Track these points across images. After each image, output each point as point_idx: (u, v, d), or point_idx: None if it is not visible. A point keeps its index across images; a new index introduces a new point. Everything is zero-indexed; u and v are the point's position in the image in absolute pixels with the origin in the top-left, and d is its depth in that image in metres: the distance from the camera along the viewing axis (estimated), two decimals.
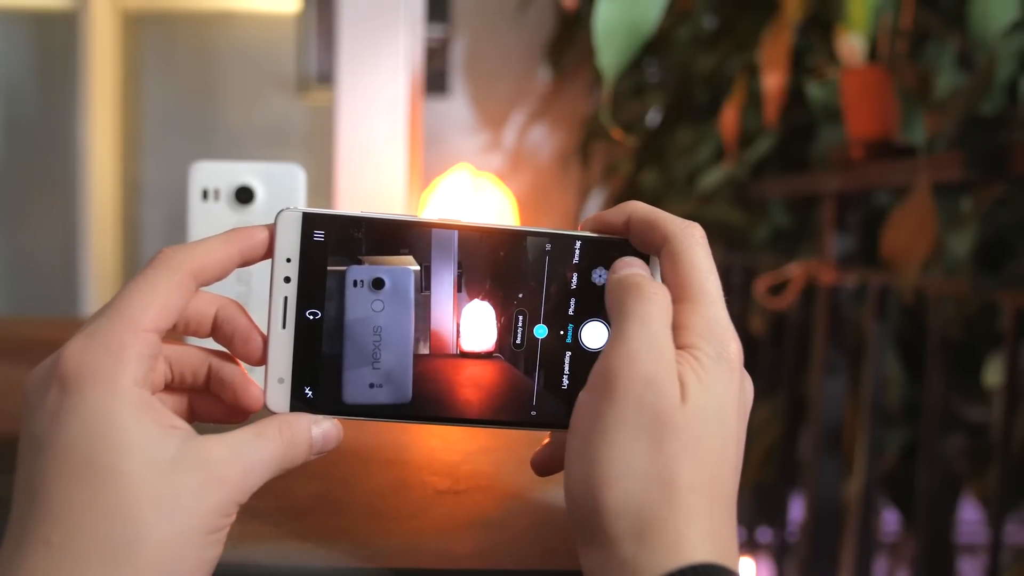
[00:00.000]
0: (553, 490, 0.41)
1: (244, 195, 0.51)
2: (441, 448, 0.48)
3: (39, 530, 0.26)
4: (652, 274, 0.34)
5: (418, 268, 0.34)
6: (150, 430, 0.28)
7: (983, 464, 1.25)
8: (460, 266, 0.34)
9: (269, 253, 0.33)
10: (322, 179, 1.04)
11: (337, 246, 0.33)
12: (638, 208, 0.33)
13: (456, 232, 0.33)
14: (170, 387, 0.33)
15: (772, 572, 1.52)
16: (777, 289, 1.33)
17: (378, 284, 0.33)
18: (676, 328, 0.31)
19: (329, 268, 0.33)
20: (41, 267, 2.32)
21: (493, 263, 0.34)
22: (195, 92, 2.34)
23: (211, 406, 0.34)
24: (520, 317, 0.34)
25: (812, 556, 1.24)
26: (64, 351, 0.28)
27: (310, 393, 0.33)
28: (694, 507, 0.28)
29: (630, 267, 0.32)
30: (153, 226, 2.36)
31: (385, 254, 0.33)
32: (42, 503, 0.27)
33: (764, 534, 1.61)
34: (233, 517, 0.29)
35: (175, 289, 0.30)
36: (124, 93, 2.32)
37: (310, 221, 0.33)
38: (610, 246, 0.34)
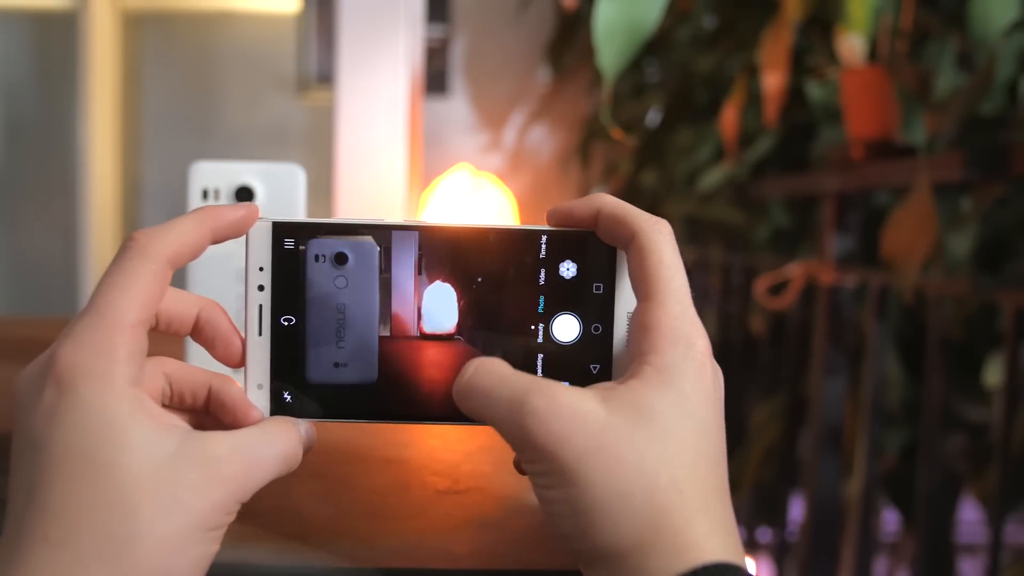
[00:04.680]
0: None
1: (244, 195, 0.51)
2: (441, 448, 0.48)
3: (37, 527, 0.26)
4: (621, 269, 0.34)
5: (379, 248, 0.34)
6: (148, 427, 0.28)
7: (983, 464, 1.25)
8: (431, 267, 0.34)
9: (239, 232, 0.33)
10: (322, 179, 1.04)
11: (307, 252, 0.34)
12: (607, 202, 0.33)
13: (426, 234, 0.34)
14: (169, 406, 0.33)
15: (772, 572, 1.52)
16: (777, 289, 1.33)
17: (341, 259, 0.34)
18: (641, 328, 0.31)
19: (299, 273, 0.34)
20: (41, 267, 2.32)
21: (464, 262, 0.34)
22: (195, 92, 2.34)
23: (210, 428, 0.34)
24: (492, 315, 0.34)
25: (812, 556, 1.24)
26: (56, 352, 0.28)
27: (289, 398, 0.34)
28: (685, 506, 0.28)
29: (469, 370, 0.32)
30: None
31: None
32: (40, 501, 0.27)
33: (764, 534, 1.61)
34: (234, 515, 0.29)
35: (154, 279, 0.30)
36: (124, 93, 2.32)
37: (280, 230, 0.33)
38: (577, 239, 0.34)
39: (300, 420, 0.33)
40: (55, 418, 0.27)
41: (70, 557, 0.26)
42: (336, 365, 0.34)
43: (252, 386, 0.34)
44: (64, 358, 0.28)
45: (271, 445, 0.30)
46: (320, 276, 0.34)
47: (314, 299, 0.34)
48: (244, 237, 0.33)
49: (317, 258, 0.34)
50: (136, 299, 0.30)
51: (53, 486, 0.27)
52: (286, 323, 0.34)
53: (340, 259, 0.34)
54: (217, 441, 0.29)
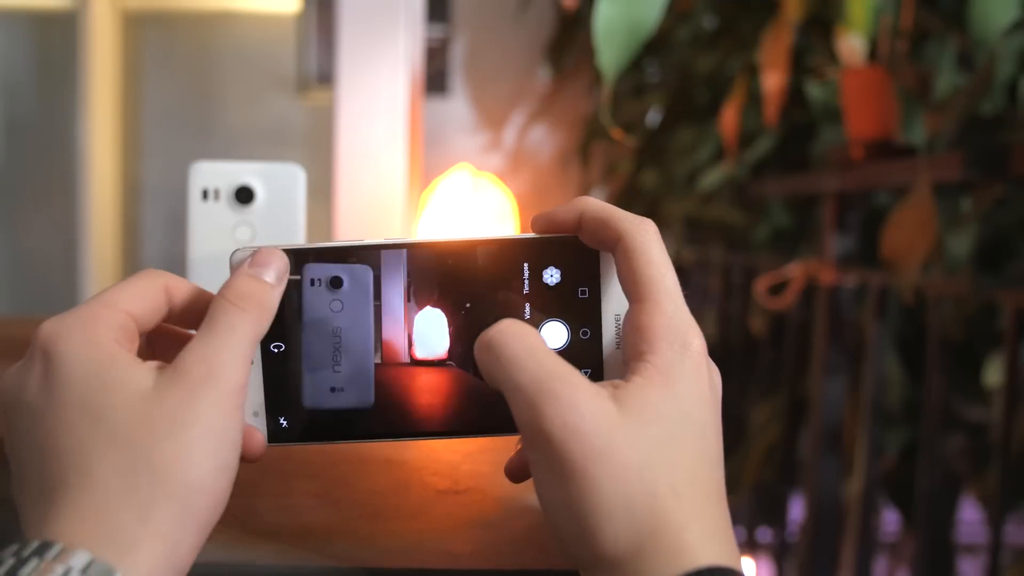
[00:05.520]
0: None
1: (244, 195, 0.51)
2: (441, 448, 0.48)
3: (57, 477, 0.27)
4: (605, 271, 0.34)
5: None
6: (128, 367, 0.29)
7: (983, 464, 1.25)
8: (415, 282, 0.34)
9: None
10: (322, 179, 1.04)
11: (293, 278, 0.34)
12: (590, 205, 0.33)
13: (408, 250, 0.34)
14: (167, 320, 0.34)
15: (772, 572, 1.52)
16: (777, 289, 1.33)
17: (336, 283, 0.34)
18: (636, 330, 0.31)
19: (286, 300, 0.34)
20: (41, 267, 2.32)
21: (448, 275, 0.34)
22: (195, 92, 2.33)
23: None
24: (481, 328, 0.34)
25: (812, 556, 1.24)
26: (38, 330, 0.30)
27: (285, 423, 0.34)
28: (682, 511, 0.28)
29: (500, 326, 0.31)
30: (153, 226, 2.36)
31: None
32: (52, 456, 0.28)
33: (764, 534, 1.61)
34: (240, 412, 0.30)
35: (150, 289, 0.32)
36: (124, 93, 2.32)
37: None
38: (559, 245, 0.34)
39: (274, 269, 0.32)
40: (46, 383, 0.28)
41: (94, 495, 0.27)
42: (331, 389, 0.34)
43: (248, 414, 0.34)
44: (46, 329, 0.29)
45: (232, 335, 0.30)
46: (308, 301, 0.34)
47: (303, 324, 0.34)
48: (229, 266, 0.34)
49: (312, 283, 0.34)
50: (128, 292, 0.31)
51: (61, 439, 0.28)
52: (276, 350, 0.34)
53: (334, 283, 0.34)
54: (189, 360, 0.29)
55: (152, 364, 0.30)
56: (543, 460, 0.29)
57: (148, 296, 0.32)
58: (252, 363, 0.33)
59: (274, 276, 0.32)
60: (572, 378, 0.29)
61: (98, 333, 0.29)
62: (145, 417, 0.28)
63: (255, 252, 0.33)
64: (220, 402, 0.29)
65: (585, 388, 0.29)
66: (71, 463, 0.27)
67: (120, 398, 0.28)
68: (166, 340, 0.35)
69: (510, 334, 0.30)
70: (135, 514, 0.27)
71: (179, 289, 0.33)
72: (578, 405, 0.28)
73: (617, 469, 0.28)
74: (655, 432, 0.29)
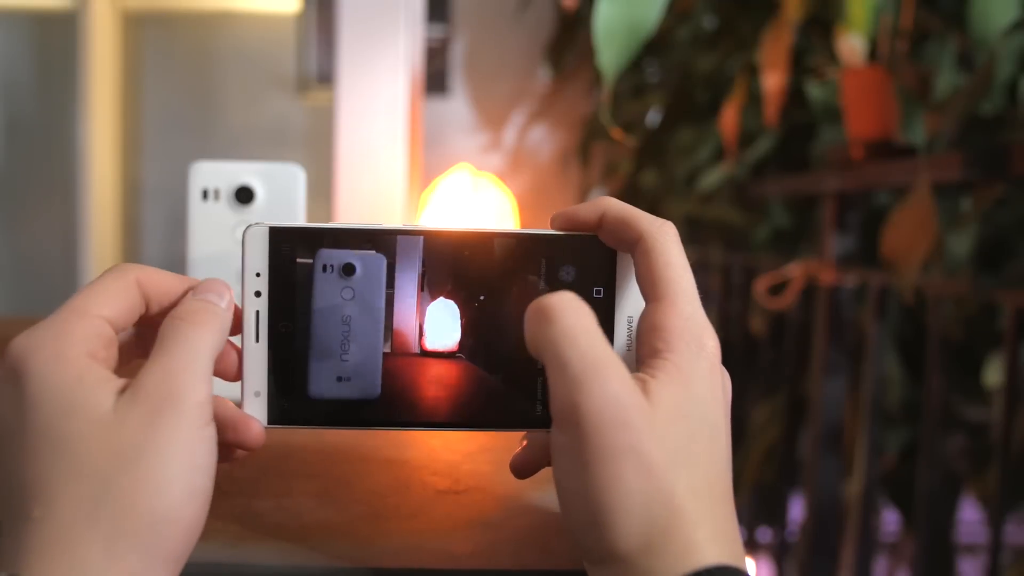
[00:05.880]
0: (553, 491, 0.41)
1: (244, 195, 0.51)
2: (441, 448, 0.48)
3: (23, 509, 0.27)
4: (621, 272, 0.34)
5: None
6: (91, 388, 0.28)
7: (983, 464, 1.25)
8: (428, 271, 0.34)
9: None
10: (322, 179, 1.04)
11: (304, 258, 0.33)
12: (612, 205, 0.33)
13: (422, 237, 0.34)
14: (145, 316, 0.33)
15: (772, 572, 1.52)
16: (777, 289, 1.33)
17: (348, 270, 0.34)
18: (652, 329, 0.31)
19: (296, 285, 0.33)
20: (41, 267, 2.32)
21: (463, 267, 0.34)
22: (195, 92, 2.33)
23: None
24: (494, 321, 0.34)
25: (812, 556, 1.24)
26: (9, 345, 0.29)
27: (287, 406, 0.34)
28: (696, 511, 0.28)
29: (563, 296, 0.30)
30: (153, 226, 2.36)
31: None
32: (20, 485, 0.27)
33: (764, 534, 1.61)
34: (209, 429, 0.29)
35: (121, 286, 0.31)
36: (124, 93, 2.32)
37: (277, 235, 0.33)
38: (578, 243, 0.34)
39: (222, 295, 0.32)
40: (16, 403, 0.28)
41: (58, 530, 0.26)
42: (337, 379, 0.34)
43: (249, 393, 0.33)
44: (16, 346, 0.29)
45: (188, 355, 0.29)
46: (319, 287, 0.33)
47: (312, 311, 0.33)
48: (241, 243, 0.33)
49: (324, 268, 0.33)
50: (100, 295, 0.30)
51: (27, 467, 0.27)
52: (283, 329, 0.33)
53: (346, 270, 0.33)
54: (147, 383, 0.28)
55: (117, 384, 0.29)
56: (570, 444, 0.28)
57: (121, 295, 0.31)
58: (256, 342, 0.33)
59: (223, 300, 0.32)
60: (617, 367, 0.29)
61: (69, 348, 0.28)
62: (105, 445, 0.27)
63: (200, 282, 0.32)
64: (183, 423, 0.28)
65: (627, 380, 0.29)
66: (35, 495, 0.27)
67: (82, 425, 0.27)
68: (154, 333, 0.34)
69: (568, 306, 0.29)
70: (100, 549, 0.26)
71: (153, 280, 0.32)
72: (620, 396, 0.28)
73: (644, 466, 0.28)
74: (679, 431, 0.29)
